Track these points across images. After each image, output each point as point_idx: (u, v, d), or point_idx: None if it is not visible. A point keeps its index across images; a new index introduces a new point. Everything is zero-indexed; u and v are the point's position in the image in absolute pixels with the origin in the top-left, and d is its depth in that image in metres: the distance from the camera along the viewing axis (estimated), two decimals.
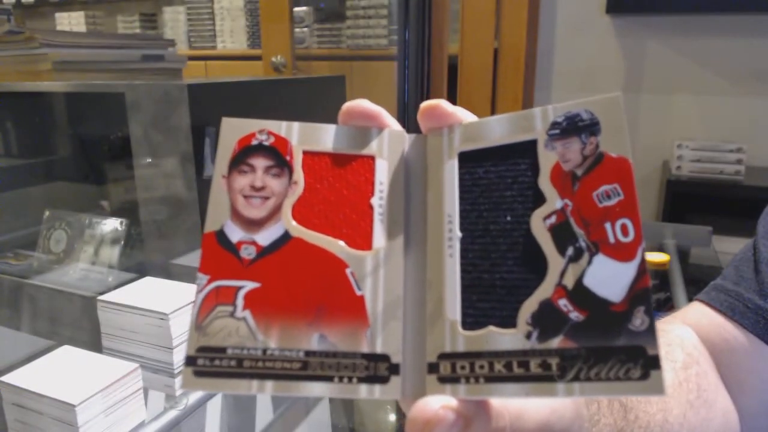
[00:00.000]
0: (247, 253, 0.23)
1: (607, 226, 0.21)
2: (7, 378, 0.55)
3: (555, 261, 0.22)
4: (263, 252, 0.24)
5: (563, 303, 0.21)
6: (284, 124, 0.25)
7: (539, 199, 0.23)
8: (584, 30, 2.27)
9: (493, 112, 2.27)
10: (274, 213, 0.24)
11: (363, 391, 0.22)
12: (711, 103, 2.15)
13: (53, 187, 1.26)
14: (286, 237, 0.24)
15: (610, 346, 0.20)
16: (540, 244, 0.22)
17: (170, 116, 0.89)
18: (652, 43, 2.19)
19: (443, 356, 0.23)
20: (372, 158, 0.25)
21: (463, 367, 0.22)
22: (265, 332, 0.22)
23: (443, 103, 0.26)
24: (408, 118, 1.35)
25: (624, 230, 0.21)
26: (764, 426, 0.46)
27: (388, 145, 0.26)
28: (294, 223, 0.24)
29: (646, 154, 2.22)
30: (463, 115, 0.26)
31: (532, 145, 0.24)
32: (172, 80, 1.19)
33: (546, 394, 0.20)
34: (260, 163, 0.25)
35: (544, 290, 0.22)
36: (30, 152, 1.28)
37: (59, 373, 0.57)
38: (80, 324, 0.84)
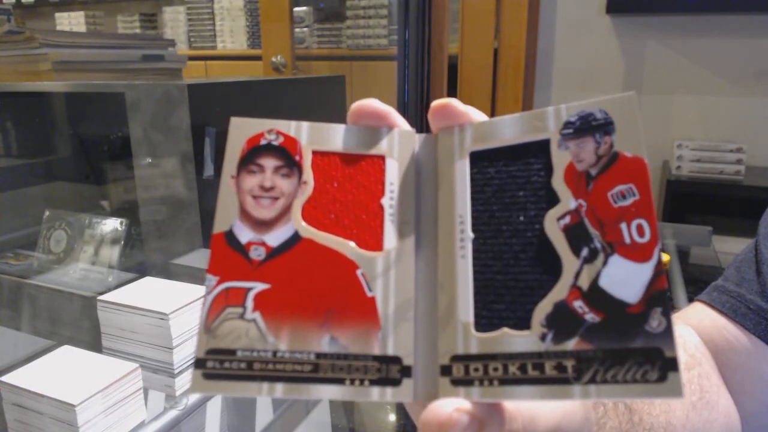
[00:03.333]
0: (257, 254, 0.23)
1: (623, 226, 0.21)
2: (7, 378, 0.55)
3: (569, 262, 0.22)
4: (273, 253, 0.23)
5: (578, 304, 0.21)
6: (293, 123, 0.25)
7: (553, 200, 0.23)
8: (584, 30, 2.27)
9: (493, 112, 2.28)
10: (284, 213, 0.24)
11: (375, 393, 0.22)
12: (711, 103, 2.15)
13: (53, 187, 1.26)
14: (296, 238, 0.24)
15: (627, 348, 0.19)
16: (554, 245, 0.22)
17: (170, 116, 0.89)
18: (652, 43, 2.19)
19: (456, 358, 0.22)
20: (382, 158, 0.25)
21: (476, 370, 0.22)
22: (275, 334, 0.22)
23: (454, 102, 0.25)
24: (408, 118, 1.34)
25: (640, 231, 0.21)
26: (765, 427, 0.46)
27: (399, 144, 0.25)
28: (304, 223, 0.24)
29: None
30: (474, 114, 0.25)
31: (545, 144, 0.23)
32: (172, 80, 1.19)
33: (561, 397, 0.20)
34: (269, 163, 0.24)
35: (559, 291, 0.21)
36: (30, 152, 1.28)
37: (59, 373, 0.57)
38: (80, 324, 0.84)
